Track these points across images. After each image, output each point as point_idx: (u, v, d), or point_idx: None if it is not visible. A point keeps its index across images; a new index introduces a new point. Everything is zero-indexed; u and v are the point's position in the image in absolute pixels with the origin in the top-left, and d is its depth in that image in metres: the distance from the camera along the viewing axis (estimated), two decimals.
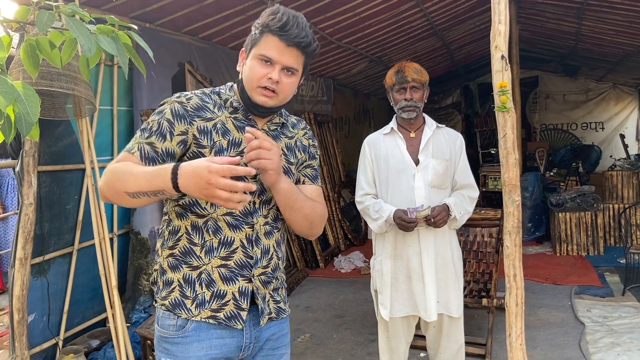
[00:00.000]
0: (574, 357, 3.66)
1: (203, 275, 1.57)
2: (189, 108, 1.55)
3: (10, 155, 3.73)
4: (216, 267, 1.57)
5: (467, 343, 3.06)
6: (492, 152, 9.58)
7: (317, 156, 1.81)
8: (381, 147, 2.82)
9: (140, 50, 1.57)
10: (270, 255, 1.64)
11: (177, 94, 1.60)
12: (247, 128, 1.48)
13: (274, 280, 1.67)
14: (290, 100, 1.44)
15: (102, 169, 3.52)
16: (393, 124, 2.85)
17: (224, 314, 1.57)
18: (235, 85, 1.66)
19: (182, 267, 1.58)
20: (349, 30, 5.69)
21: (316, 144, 1.82)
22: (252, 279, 1.60)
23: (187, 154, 1.55)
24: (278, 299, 1.70)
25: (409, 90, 2.72)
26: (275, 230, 1.67)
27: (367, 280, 3.07)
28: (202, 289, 1.57)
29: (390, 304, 2.78)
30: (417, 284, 2.72)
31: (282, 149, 1.66)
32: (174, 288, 1.58)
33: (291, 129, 1.74)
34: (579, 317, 4.36)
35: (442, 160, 2.74)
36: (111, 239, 3.59)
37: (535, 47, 8.85)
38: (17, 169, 2.98)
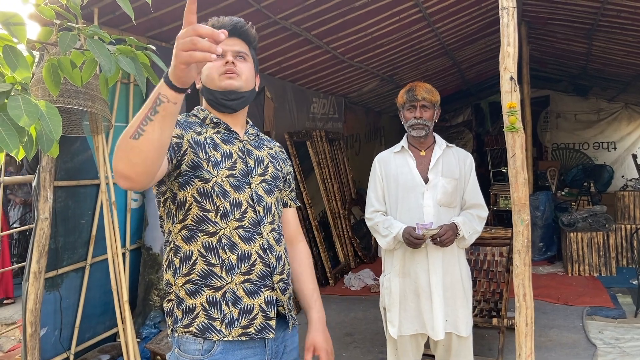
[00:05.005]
0: None
1: (228, 294, 1.56)
2: (180, 120, 1.59)
3: (26, 170, 3.80)
4: (240, 284, 1.57)
5: None
6: (503, 170, 9.55)
7: (292, 175, 1.92)
8: (391, 165, 2.85)
9: (157, 69, 1.63)
10: (283, 262, 1.68)
11: None
12: None
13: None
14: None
15: (116, 184, 3.58)
16: (404, 142, 2.88)
17: (254, 328, 1.58)
18: (202, 105, 1.72)
19: (204, 291, 1.56)
20: (361, 49, 5.76)
21: (291, 164, 1.93)
22: (274, 287, 1.62)
23: (187, 162, 1.52)
24: (292, 306, 1.74)
25: (419, 109, 2.75)
26: (282, 237, 1.71)
27: (377, 298, 3.07)
28: (229, 308, 1.56)
29: (398, 322, 2.78)
30: (425, 302, 2.72)
31: (267, 157, 1.74)
32: (198, 313, 1.56)
33: (267, 142, 1.82)
34: (591, 338, 4.31)
35: (451, 179, 2.75)
36: (123, 254, 3.62)
37: (546, 67, 8.88)
38: (34, 184, 3.04)
